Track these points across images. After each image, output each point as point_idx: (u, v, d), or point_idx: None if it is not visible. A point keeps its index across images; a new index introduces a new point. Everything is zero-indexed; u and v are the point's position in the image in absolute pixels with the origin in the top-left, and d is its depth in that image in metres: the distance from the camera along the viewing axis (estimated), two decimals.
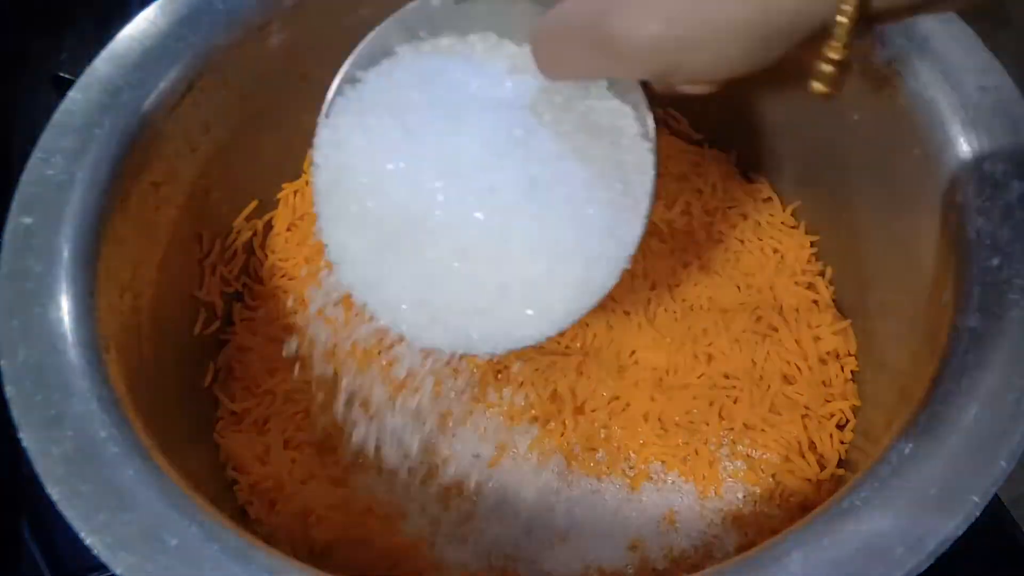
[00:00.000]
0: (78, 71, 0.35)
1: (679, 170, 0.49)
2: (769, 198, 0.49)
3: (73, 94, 0.35)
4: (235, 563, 0.27)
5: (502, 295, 0.30)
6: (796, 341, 0.44)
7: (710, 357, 0.43)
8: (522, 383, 0.42)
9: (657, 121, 0.50)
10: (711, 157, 0.50)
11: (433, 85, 0.32)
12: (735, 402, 0.42)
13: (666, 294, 0.44)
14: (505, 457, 0.41)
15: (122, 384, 0.31)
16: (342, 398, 0.40)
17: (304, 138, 0.47)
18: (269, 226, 0.47)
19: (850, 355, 0.43)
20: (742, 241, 0.47)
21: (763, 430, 0.41)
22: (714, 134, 0.50)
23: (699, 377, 0.42)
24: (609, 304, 0.43)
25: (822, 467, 0.40)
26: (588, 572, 0.38)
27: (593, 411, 0.41)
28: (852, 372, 0.43)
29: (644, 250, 0.44)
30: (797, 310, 0.45)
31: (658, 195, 0.47)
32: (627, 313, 0.43)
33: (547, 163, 0.30)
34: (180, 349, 0.40)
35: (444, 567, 0.39)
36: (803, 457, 0.41)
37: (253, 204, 0.46)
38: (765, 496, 0.40)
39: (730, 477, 0.40)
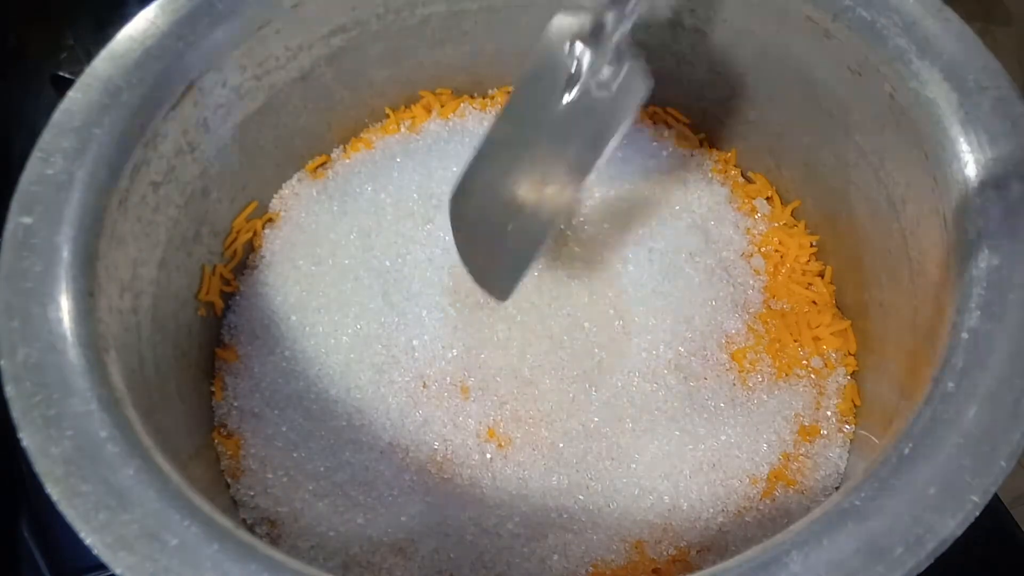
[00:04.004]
0: (78, 71, 0.35)
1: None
2: (769, 198, 0.49)
3: (73, 94, 0.35)
4: (235, 563, 0.27)
5: None
6: (796, 341, 0.44)
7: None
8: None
9: (656, 121, 0.51)
10: (711, 157, 0.50)
11: None
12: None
13: None
14: (509, 454, 0.41)
15: (122, 384, 0.31)
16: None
17: (304, 138, 0.48)
18: (269, 225, 0.47)
19: (850, 355, 0.43)
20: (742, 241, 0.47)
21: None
22: (714, 134, 0.51)
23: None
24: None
25: (822, 467, 0.40)
26: (589, 570, 0.38)
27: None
28: (852, 372, 0.43)
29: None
30: (797, 310, 0.45)
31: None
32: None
33: None
34: (180, 349, 0.40)
35: (439, 560, 0.39)
36: (803, 457, 0.41)
37: (253, 205, 0.46)
38: (765, 496, 0.40)
39: (731, 476, 0.40)
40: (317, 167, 0.50)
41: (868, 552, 0.26)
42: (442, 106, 0.51)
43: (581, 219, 0.46)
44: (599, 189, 0.47)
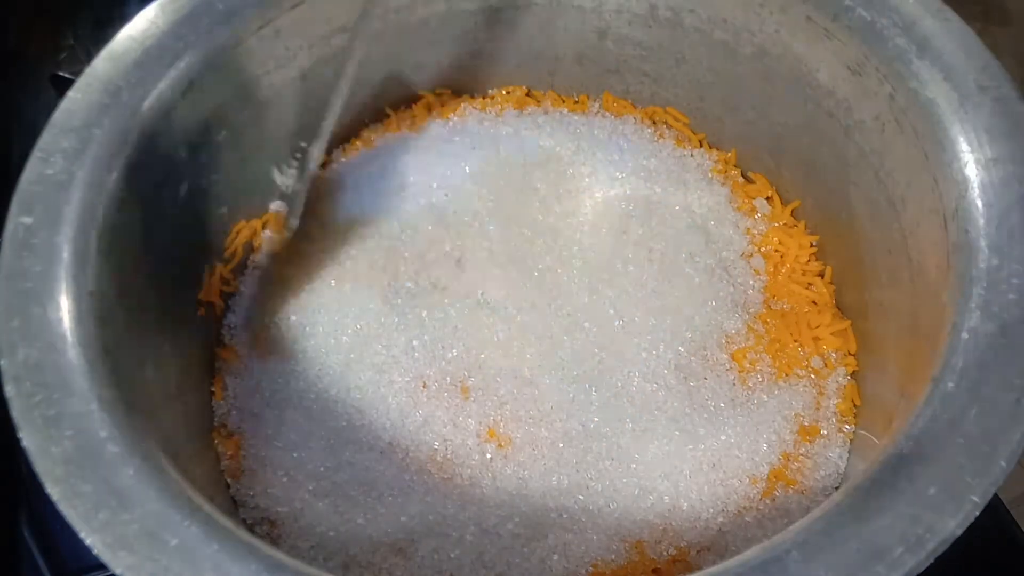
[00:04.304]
0: (78, 71, 0.35)
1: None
2: (769, 198, 0.49)
3: (73, 94, 0.35)
4: (235, 563, 0.27)
5: None
6: (796, 341, 0.44)
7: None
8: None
9: (656, 121, 0.51)
10: (711, 157, 0.50)
11: None
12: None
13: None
14: (509, 454, 0.41)
15: (122, 384, 0.31)
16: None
17: (304, 138, 0.48)
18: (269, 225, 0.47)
19: (850, 355, 0.43)
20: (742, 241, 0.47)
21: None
22: (714, 134, 0.51)
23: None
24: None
25: (822, 467, 0.40)
26: (589, 570, 0.38)
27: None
28: (852, 372, 0.43)
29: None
30: (797, 310, 0.45)
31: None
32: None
33: None
34: (180, 349, 0.40)
35: (439, 560, 0.39)
36: (803, 457, 0.41)
37: (253, 205, 0.46)
38: (765, 496, 0.40)
39: (731, 476, 0.40)
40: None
41: (868, 552, 0.26)
42: (442, 106, 0.51)
43: (581, 219, 0.46)
44: (599, 189, 0.47)
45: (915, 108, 0.36)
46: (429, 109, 0.51)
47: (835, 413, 0.42)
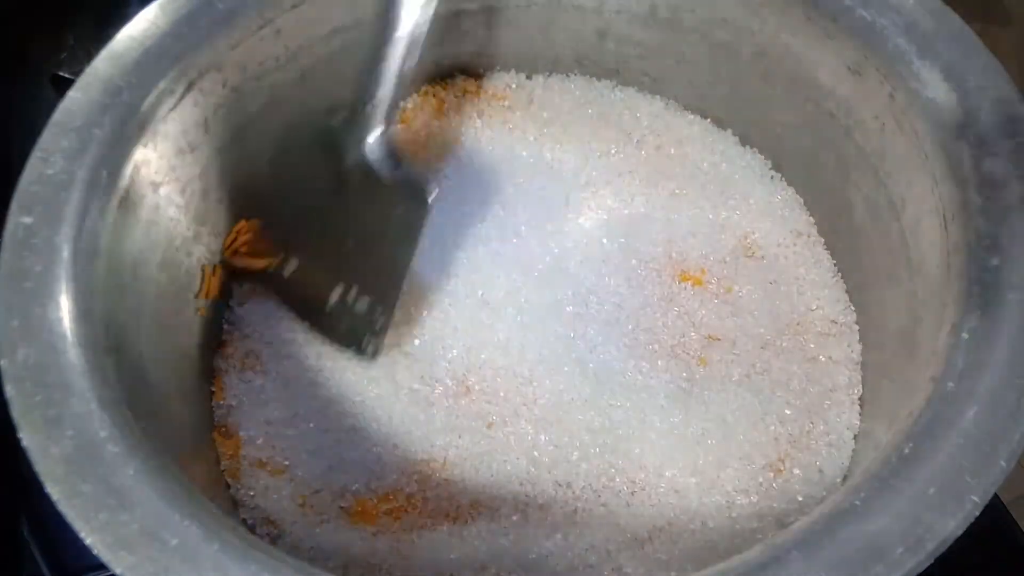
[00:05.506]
0: (78, 71, 0.35)
1: None
2: None
3: (73, 94, 0.35)
4: (235, 563, 0.27)
5: None
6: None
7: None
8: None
9: None
10: None
11: None
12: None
13: None
14: (509, 454, 0.41)
15: (122, 384, 0.31)
16: None
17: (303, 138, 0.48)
18: None
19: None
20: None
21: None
22: None
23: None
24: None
25: (822, 467, 0.40)
26: (589, 570, 0.38)
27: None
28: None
29: None
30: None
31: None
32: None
33: None
34: (180, 349, 0.40)
35: (441, 558, 0.39)
36: (803, 457, 0.41)
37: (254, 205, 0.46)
38: (765, 495, 0.40)
39: (731, 475, 0.40)
40: None
41: (868, 552, 0.26)
42: (443, 105, 0.51)
43: (581, 220, 0.46)
44: (601, 190, 0.47)
45: (915, 108, 0.36)
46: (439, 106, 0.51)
47: (836, 413, 0.42)
